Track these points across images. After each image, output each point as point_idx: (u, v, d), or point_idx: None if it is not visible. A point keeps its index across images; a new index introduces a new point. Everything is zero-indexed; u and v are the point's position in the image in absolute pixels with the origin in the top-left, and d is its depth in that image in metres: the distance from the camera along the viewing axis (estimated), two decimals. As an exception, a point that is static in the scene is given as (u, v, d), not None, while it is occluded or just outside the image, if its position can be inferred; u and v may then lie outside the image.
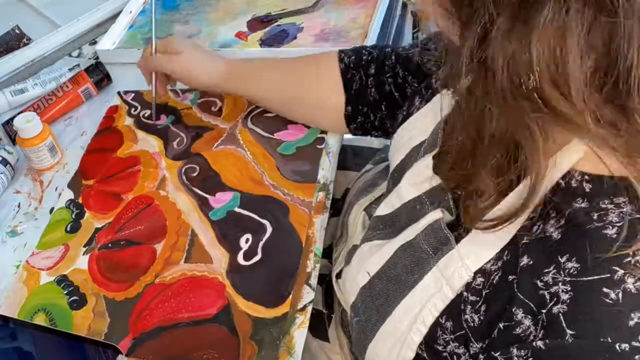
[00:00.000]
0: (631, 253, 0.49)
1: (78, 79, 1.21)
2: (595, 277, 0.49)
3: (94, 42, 1.36)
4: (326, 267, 0.98)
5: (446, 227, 0.65)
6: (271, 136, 1.05)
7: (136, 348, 0.82)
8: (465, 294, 0.60)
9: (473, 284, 0.60)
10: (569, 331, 0.49)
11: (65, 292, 0.90)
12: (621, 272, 0.48)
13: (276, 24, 1.28)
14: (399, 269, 0.68)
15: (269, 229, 0.91)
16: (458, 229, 0.64)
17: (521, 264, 0.55)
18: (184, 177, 1.02)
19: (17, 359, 0.81)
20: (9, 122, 1.16)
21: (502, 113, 0.50)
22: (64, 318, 0.87)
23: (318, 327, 0.94)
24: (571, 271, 0.51)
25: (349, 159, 1.17)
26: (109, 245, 0.95)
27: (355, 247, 0.81)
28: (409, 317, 0.64)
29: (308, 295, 0.83)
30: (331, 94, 0.98)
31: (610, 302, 0.48)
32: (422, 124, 0.77)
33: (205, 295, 0.85)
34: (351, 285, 0.75)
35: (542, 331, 0.51)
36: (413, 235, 0.68)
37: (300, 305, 0.82)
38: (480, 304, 0.58)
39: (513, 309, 0.54)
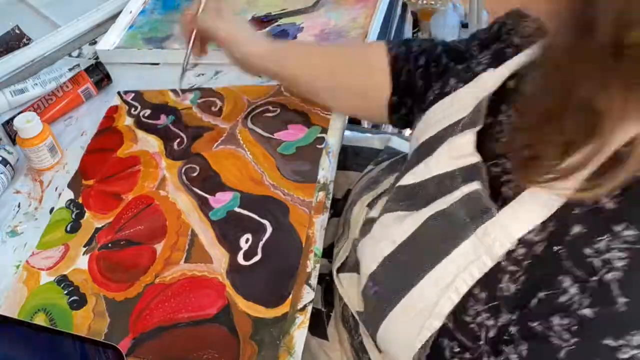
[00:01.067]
0: None
1: (78, 79, 1.21)
2: None
3: (94, 42, 1.36)
4: (326, 267, 0.98)
5: (487, 197, 0.63)
6: (271, 136, 1.05)
7: (136, 348, 0.82)
8: (503, 263, 0.59)
9: (514, 254, 0.59)
10: (621, 298, 0.49)
11: (65, 292, 0.90)
12: None
13: (276, 24, 1.28)
14: (430, 237, 0.66)
15: (269, 229, 0.91)
16: (495, 202, 0.63)
17: (571, 233, 0.54)
18: (184, 177, 1.02)
19: (17, 359, 0.81)
20: (9, 122, 1.16)
21: (595, 75, 0.49)
22: (64, 318, 0.87)
23: (317, 326, 0.94)
24: (628, 239, 0.50)
25: (349, 159, 1.17)
26: (109, 245, 0.95)
27: (370, 222, 0.80)
28: (439, 286, 0.63)
29: (308, 295, 0.83)
30: (378, 83, 0.96)
31: None
32: (460, 103, 0.75)
33: (205, 295, 0.85)
34: (373, 254, 0.73)
35: (589, 299, 0.51)
36: (446, 205, 0.67)
37: (300, 305, 0.82)
38: (520, 274, 0.58)
39: (558, 278, 0.54)
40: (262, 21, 1.29)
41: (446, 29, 2.46)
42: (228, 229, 0.93)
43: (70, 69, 1.26)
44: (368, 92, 0.98)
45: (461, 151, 0.70)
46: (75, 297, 0.89)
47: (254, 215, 0.93)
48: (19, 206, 1.05)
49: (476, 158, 0.68)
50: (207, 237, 0.92)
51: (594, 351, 0.51)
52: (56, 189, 1.07)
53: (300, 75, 1.01)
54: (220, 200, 0.97)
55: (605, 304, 0.50)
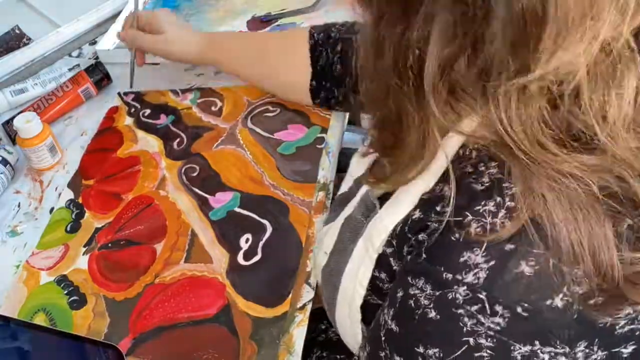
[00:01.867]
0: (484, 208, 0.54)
1: (78, 79, 1.21)
2: (453, 218, 0.55)
3: (94, 42, 1.36)
4: None
5: (373, 196, 0.69)
6: (271, 136, 1.05)
7: (136, 348, 0.82)
8: (385, 249, 0.64)
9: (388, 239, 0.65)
10: (424, 255, 0.57)
11: (65, 292, 0.90)
12: (469, 217, 0.53)
13: (276, 24, 1.28)
14: (344, 242, 0.71)
15: (269, 229, 0.91)
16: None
17: (413, 216, 0.60)
18: (183, 177, 1.02)
19: (17, 359, 0.81)
20: (9, 122, 1.15)
21: (390, 93, 0.56)
22: (64, 318, 0.87)
23: None
24: (440, 212, 0.57)
25: (343, 162, 1.17)
26: (109, 245, 0.95)
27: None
28: (351, 285, 0.68)
29: (307, 294, 0.83)
30: (299, 69, 1.03)
31: (454, 239, 0.54)
32: None
33: (205, 295, 0.85)
34: (317, 268, 0.77)
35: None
36: (351, 209, 0.72)
37: (299, 304, 0.82)
38: (393, 253, 0.64)
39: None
40: (262, 21, 1.29)
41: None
42: (228, 229, 0.93)
43: (70, 69, 1.26)
44: (290, 77, 1.06)
45: (365, 151, 0.75)
46: (75, 297, 0.89)
47: (254, 215, 0.93)
48: (19, 206, 1.05)
49: (373, 157, 0.73)
50: (207, 237, 0.92)
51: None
52: (56, 188, 1.06)
53: (228, 65, 1.12)
54: (220, 200, 0.97)
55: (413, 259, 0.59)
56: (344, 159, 1.13)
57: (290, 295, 0.83)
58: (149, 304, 0.86)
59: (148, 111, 1.16)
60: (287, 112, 1.08)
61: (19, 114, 1.10)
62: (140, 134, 1.12)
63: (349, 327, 0.71)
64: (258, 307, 0.83)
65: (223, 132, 1.08)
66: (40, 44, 1.33)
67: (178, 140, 1.09)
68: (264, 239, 0.90)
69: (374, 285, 0.67)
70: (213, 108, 1.13)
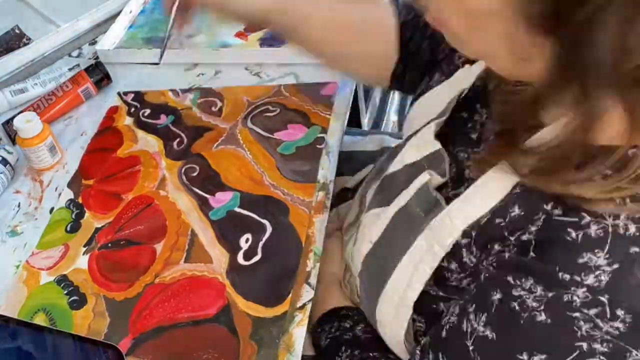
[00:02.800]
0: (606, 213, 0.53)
1: (78, 79, 1.20)
2: (568, 219, 0.53)
3: (93, 42, 1.36)
4: None
5: (434, 190, 0.68)
6: (271, 136, 1.05)
7: (136, 348, 0.82)
8: (459, 240, 0.64)
9: (462, 244, 0.64)
10: (532, 253, 0.55)
11: (65, 292, 0.90)
12: (588, 219, 0.52)
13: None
14: (396, 233, 0.70)
15: (269, 229, 0.91)
16: (448, 191, 0.68)
17: (511, 213, 0.59)
18: (183, 177, 1.02)
19: (17, 359, 0.81)
20: (8, 122, 1.15)
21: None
22: (64, 318, 0.87)
23: None
24: (549, 211, 0.56)
25: (341, 164, 1.16)
26: (109, 245, 0.95)
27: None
28: (405, 278, 0.67)
29: (307, 294, 0.83)
30: (383, 44, 0.92)
31: (570, 240, 0.53)
32: (437, 98, 0.78)
33: (205, 295, 0.85)
34: (357, 255, 0.76)
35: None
36: (405, 200, 0.70)
37: (299, 304, 0.82)
38: (468, 245, 0.63)
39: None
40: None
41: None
42: (228, 229, 0.92)
43: (70, 69, 1.26)
44: (371, 54, 0.94)
45: (424, 140, 0.74)
46: (75, 297, 0.89)
47: (254, 215, 0.93)
48: (18, 206, 1.04)
49: (436, 145, 0.72)
50: (207, 237, 0.92)
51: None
52: (56, 188, 1.06)
53: (306, 28, 0.93)
54: (220, 200, 0.97)
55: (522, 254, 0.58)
56: (346, 162, 1.14)
57: (290, 295, 0.83)
58: (149, 304, 0.86)
59: (148, 111, 1.16)
60: (287, 111, 1.08)
61: (18, 113, 1.09)
62: (140, 133, 1.12)
63: (393, 321, 0.70)
64: (258, 307, 0.83)
65: (223, 132, 1.08)
66: (40, 44, 1.32)
67: (178, 140, 1.09)
68: (264, 238, 0.90)
69: (438, 277, 0.66)
70: (213, 108, 1.13)
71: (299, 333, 0.80)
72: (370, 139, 1.23)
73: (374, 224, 0.74)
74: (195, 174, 1.02)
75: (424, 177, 0.70)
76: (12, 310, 0.89)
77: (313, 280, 0.85)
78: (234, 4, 0.90)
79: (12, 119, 1.12)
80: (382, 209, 0.75)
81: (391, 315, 0.70)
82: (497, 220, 0.60)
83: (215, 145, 1.06)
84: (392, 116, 1.96)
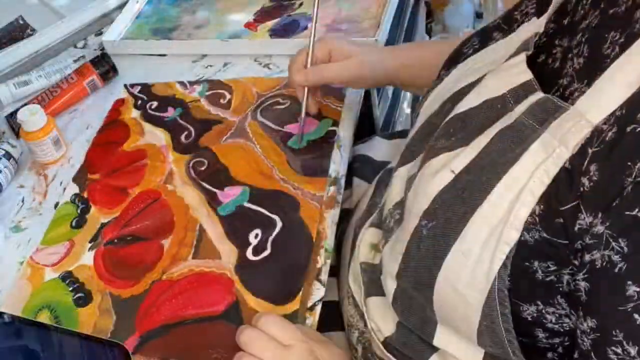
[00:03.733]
0: None
1: (83, 71, 1.20)
2: None
3: (99, 33, 1.35)
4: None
5: (558, 98, 0.60)
6: (281, 129, 1.04)
7: (142, 346, 0.81)
8: (578, 161, 0.55)
9: (589, 151, 0.55)
10: None
11: (70, 288, 0.89)
12: None
13: (286, 14, 1.26)
14: (494, 154, 0.62)
15: (279, 224, 0.90)
16: None
17: None
18: (191, 171, 1.01)
19: (21, 358, 0.81)
20: (12, 115, 1.15)
21: None
22: (69, 316, 0.86)
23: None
24: None
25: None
26: (115, 240, 0.94)
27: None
28: (510, 196, 0.59)
29: (318, 291, 0.82)
30: None
31: None
32: (504, 50, 0.73)
33: (214, 292, 0.84)
34: (425, 191, 0.68)
35: None
36: (511, 119, 0.63)
37: (310, 303, 0.81)
38: (587, 163, 0.55)
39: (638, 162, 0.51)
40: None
41: (461, 18, 2.45)
42: (237, 224, 0.91)
43: (75, 61, 1.25)
44: None
45: (510, 72, 0.67)
46: (80, 294, 0.88)
47: (263, 210, 0.92)
48: (22, 201, 1.04)
49: (527, 75, 0.65)
50: (215, 233, 0.91)
51: None
52: (61, 183, 1.05)
53: (421, 83, 0.99)
54: (229, 195, 0.96)
55: None
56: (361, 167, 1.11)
57: (300, 293, 0.82)
58: (156, 301, 0.85)
59: (155, 104, 1.15)
60: (298, 104, 1.06)
61: (22, 106, 1.09)
62: (147, 127, 1.12)
63: (478, 259, 0.60)
64: (267, 304, 0.81)
65: (232, 125, 1.07)
66: (44, 35, 1.32)
67: (186, 133, 1.08)
68: (274, 234, 0.89)
69: (545, 209, 0.57)
70: (222, 100, 1.13)
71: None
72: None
73: (458, 156, 0.66)
74: (203, 168, 1.01)
75: (536, 95, 0.62)
76: (15, 307, 0.88)
77: (324, 276, 0.84)
78: (364, 80, 1.01)
79: (16, 111, 1.12)
80: (462, 149, 0.67)
81: (480, 243, 0.60)
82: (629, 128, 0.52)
83: (224, 138, 1.05)
84: (405, 110, 1.95)
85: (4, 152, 1.05)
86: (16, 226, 1.00)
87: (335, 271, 0.96)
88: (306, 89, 0.99)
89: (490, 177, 0.61)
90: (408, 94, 1.99)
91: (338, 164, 0.97)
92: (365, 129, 1.31)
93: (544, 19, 0.70)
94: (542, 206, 0.57)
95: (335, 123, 1.03)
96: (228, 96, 1.13)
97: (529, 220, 0.58)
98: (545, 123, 0.59)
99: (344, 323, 0.89)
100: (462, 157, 0.65)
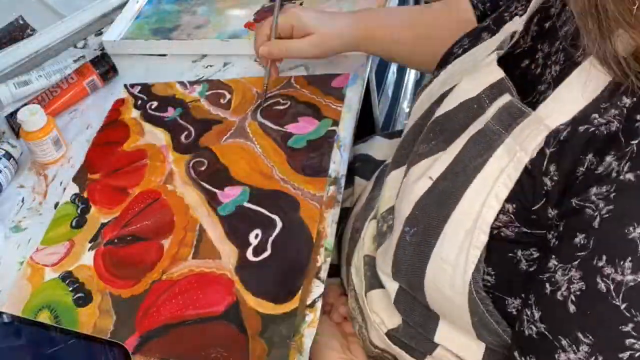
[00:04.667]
0: None
1: (83, 71, 1.19)
2: None
3: (99, 33, 1.35)
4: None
5: (521, 103, 0.62)
6: (281, 129, 1.03)
7: (142, 346, 0.80)
8: (538, 164, 0.59)
9: (547, 153, 0.58)
10: None
11: (70, 288, 0.89)
12: None
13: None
14: (466, 160, 0.65)
15: (279, 224, 0.90)
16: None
17: (622, 104, 0.54)
18: (191, 171, 1.01)
19: (21, 358, 0.81)
20: (12, 115, 1.14)
21: None
22: (69, 316, 0.86)
23: None
24: None
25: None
26: (115, 240, 0.94)
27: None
28: (479, 201, 0.62)
29: (317, 288, 0.82)
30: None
31: None
32: (486, 51, 0.75)
33: (214, 292, 0.84)
34: (408, 198, 0.70)
35: (628, 163, 0.52)
36: (482, 124, 0.65)
37: (309, 300, 0.81)
38: (546, 164, 0.58)
39: (589, 154, 0.54)
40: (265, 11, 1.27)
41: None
42: (237, 225, 0.91)
43: (75, 61, 1.25)
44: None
45: (484, 72, 0.69)
46: (80, 294, 0.88)
47: (263, 210, 0.92)
48: (22, 201, 1.03)
49: (499, 74, 0.67)
50: (215, 233, 0.91)
51: (630, 215, 0.51)
52: (61, 183, 1.05)
53: (389, 52, 1.05)
54: (229, 195, 0.95)
55: None
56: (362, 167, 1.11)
57: (300, 292, 0.82)
58: (156, 301, 0.85)
59: (155, 104, 1.15)
60: (298, 104, 1.07)
61: (22, 106, 1.08)
62: (147, 127, 1.11)
63: (459, 257, 0.63)
64: (267, 303, 0.81)
65: (232, 125, 1.07)
66: (44, 35, 1.32)
67: (186, 133, 1.08)
68: (274, 234, 0.89)
69: (518, 204, 0.60)
70: (222, 100, 1.12)
71: (309, 334, 0.78)
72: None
73: (439, 161, 0.68)
74: (203, 168, 1.01)
75: (504, 98, 0.64)
76: (16, 307, 0.88)
77: (323, 274, 0.84)
78: (330, 52, 1.05)
79: (15, 111, 1.11)
80: (442, 152, 0.69)
81: (456, 249, 0.63)
82: (601, 119, 0.55)
83: (224, 138, 1.05)
84: (405, 109, 1.95)
85: (4, 152, 1.05)
86: (16, 226, 1.00)
87: (335, 270, 0.96)
88: (269, 61, 1.06)
89: (462, 182, 0.63)
90: (408, 94, 1.99)
91: (338, 164, 0.97)
92: (365, 129, 1.31)
93: (523, 18, 0.72)
94: (514, 205, 0.60)
95: (335, 123, 1.02)
96: (228, 96, 1.13)
97: (504, 219, 0.61)
98: (509, 128, 0.61)
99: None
100: (439, 163, 0.67)
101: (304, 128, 1.03)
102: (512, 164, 0.60)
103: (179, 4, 1.37)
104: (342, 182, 0.95)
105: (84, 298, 0.87)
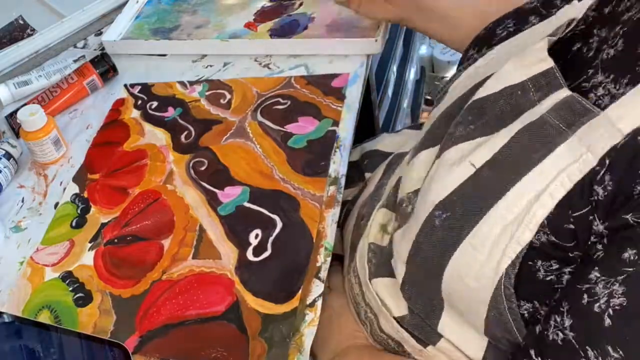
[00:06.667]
0: None
1: (83, 71, 1.19)
2: None
3: (99, 33, 1.35)
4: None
5: (586, 100, 0.60)
6: (281, 129, 1.03)
7: (143, 346, 0.80)
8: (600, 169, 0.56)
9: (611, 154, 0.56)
10: None
11: (71, 288, 0.89)
12: None
13: (286, 14, 1.26)
14: (516, 151, 0.62)
15: (279, 224, 0.90)
16: None
17: None
18: (192, 171, 1.01)
19: (21, 358, 0.80)
20: (12, 115, 1.14)
21: None
22: (69, 315, 0.86)
23: None
24: None
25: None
26: (115, 240, 0.94)
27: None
28: (529, 196, 0.59)
29: (317, 288, 0.82)
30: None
31: None
32: (538, 36, 0.71)
33: (214, 292, 0.84)
34: (443, 182, 0.67)
35: None
36: (536, 116, 0.62)
37: (310, 300, 0.81)
38: (603, 172, 0.55)
39: None
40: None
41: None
42: (237, 225, 0.91)
43: (75, 61, 1.25)
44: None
45: (531, 59, 0.66)
46: (80, 294, 0.88)
47: (263, 210, 0.92)
48: (22, 201, 1.03)
49: (548, 64, 0.64)
50: (215, 233, 0.91)
51: None
52: (61, 183, 1.05)
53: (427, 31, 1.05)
54: (229, 195, 0.95)
55: None
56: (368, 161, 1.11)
57: (300, 291, 0.81)
58: (156, 301, 0.85)
59: (155, 103, 1.15)
60: (298, 104, 1.07)
61: (22, 106, 1.08)
62: (147, 127, 1.11)
63: (489, 254, 0.61)
64: (267, 303, 0.81)
65: (232, 125, 1.06)
66: (44, 35, 1.32)
67: (186, 133, 1.08)
68: (274, 234, 0.89)
69: (559, 211, 0.58)
70: (222, 100, 1.12)
71: (309, 333, 0.78)
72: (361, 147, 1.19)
73: (480, 147, 0.65)
74: (203, 168, 1.01)
75: (563, 92, 0.61)
76: (16, 307, 0.88)
77: (323, 274, 0.83)
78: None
79: (15, 111, 1.12)
80: (484, 138, 0.66)
81: (491, 240, 0.61)
82: None
83: (224, 138, 1.05)
84: (405, 109, 1.95)
85: (4, 152, 1.04)
86: (16, 226, 0.99)
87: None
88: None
89: (511, 175, 0.61)
90: (408, 93, 1.99)
91: (338, 164, 0.96)
92: (365, 129, 1.31)
93: (586, 3, 0.69)
94: (554, 210, 0.58)
95: (336, 123, 1.02)
96: (228, 96, 1.13)
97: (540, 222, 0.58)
98: (572, 126, 0.59)
99: (350, 301, 0.89)
100: (483, 151, 0.65)
101: (304, 128, 1.02)
102: (576, 165, 0.57)
103: (179, 4, 1.37)
104: (342, 182, 0.95)
105: (84, 298, 0.87)
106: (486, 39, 0.82)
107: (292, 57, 1.17)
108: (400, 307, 0.77)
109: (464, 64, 0.82)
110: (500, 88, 0.68)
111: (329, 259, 0.85)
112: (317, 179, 0.94)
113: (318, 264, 0.84)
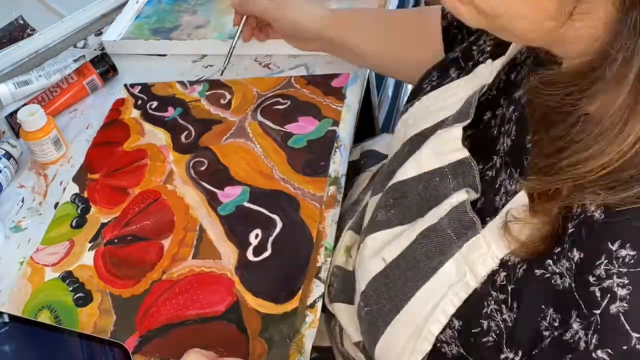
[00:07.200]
0: None
1: (83, 71, 1.19)
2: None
3: (99, 33, 1.34)
4: None
5: (472, 211, 0.61)
6: (281, 129, 1.03)
7: (143, 346, 0.81)
8: (488, 289, 0.56)
9: (497, 280, 0.56)
10: (634, 334, 0.43)
11: (71, 288, 0.89)
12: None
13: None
14: (418, 255, 0.64)
15: (279, 224, 0.90)
16: (484, 212, 0.61)
17: (569, 255, 0.49)
18: (192, 171, 1.01)
19: (22, 358, 0.80)
20: (12, 115, 1.14)
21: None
22: (69, 315, 0.86)
23: None
24: (626, 260, 0.44)
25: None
26: (115, 240, 0.94)
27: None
28: (427, 307, 0.61)
29: (318, 288, 0.82)
30: (431, 52, 0.92)
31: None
32: (456, 94, 0.73)
33: (214, 292, 0.84)
34: (363, 272, 0.71)
35: (595, 336, 0.45)
36: (436, 219, 0.64)
37: (310, 300, 0.81)
38: (507, 301, 0.55)
39: (549, 308, 0.50)
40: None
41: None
42: (237, 224, 0.91)
43: (75, 60, 1.25)
44: (421, 61, 0.91)
45: (449, 146, 0.68)
46: (80, 294, 0.88)
47: (263, 210, 0.92)
48: (22, 201, 1.03)
49: (463, 153, 0.66)
50: (215, 233, 0.91)
51: None
52: (61, 183, 1.05)
53: (355, 41, 1.03)
54: (229, 195, 0.95)
55: (619, 343, 0.44)
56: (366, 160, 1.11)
57: (300, 291, 0.82)
58: (156, 301, 0.85)
59: (155, 103, 1.15)
60: (298, 104, 1.07)
61: (22, 106, 1.08)
62: (148, 126, 1.11)
63: (402, 352, 0.63)
64: (268, 303, 0.81)
65: (232, 125, 1.06)
66: (44, 35, 1.32)
67: (186, 133, 1.08)
68: (274, 234, 0.89)
69: (463, 326, 0.59)
70: (222, 100, 1.12)
71: (309, 334, 0.78)
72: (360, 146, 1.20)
73: (392, 241, 0.68)
74: (203, 168, 1.01)
75: (461, 195, 0.63)
76: (16, 307, 0.88)
77: (323, 274, 0.84)
78: (292, 23, 1.06)
79: (15, 111, 1.11)
80: (400, 229, 0.69)
81: (401, 343, 0.63)
82: (555, 267, 0.51)
83: (224, 138, 1.05)
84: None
85: (4, 152, 1.04)
86: (16, 226, 0.99)
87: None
88: (244, 18, 1.11)
89: (413, 281, 0.62)
90: (408, 94, 1.99)
91: (338, 164, 0.96)
92: (365, 129, 1.31)
93: (497, 64, 0.69)
94: (460, 322, 0.59)
95: (336, 123, 1.02)
96: (228, 96, 1.13)
97: (449, 333, 0.60)
98: (460, 239, 0.60)
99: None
100: (393, 246, 0.67)
101: (304, 128, 1.02)
102: (461, 284, 0.58)
103: (179, 4, 1.37)
104: (342, 182, 0.95)
105: (84, 298, 0.87)
106: (415, 93, 0.83)
107: (292, 57, 1.17)
108: (358, 333, 0.78)
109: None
110: (420, 173, 0.70)
111: (329, 259, 0.85)
112: (317, 179, 0.94)
113: (318, 264, 0.84)
